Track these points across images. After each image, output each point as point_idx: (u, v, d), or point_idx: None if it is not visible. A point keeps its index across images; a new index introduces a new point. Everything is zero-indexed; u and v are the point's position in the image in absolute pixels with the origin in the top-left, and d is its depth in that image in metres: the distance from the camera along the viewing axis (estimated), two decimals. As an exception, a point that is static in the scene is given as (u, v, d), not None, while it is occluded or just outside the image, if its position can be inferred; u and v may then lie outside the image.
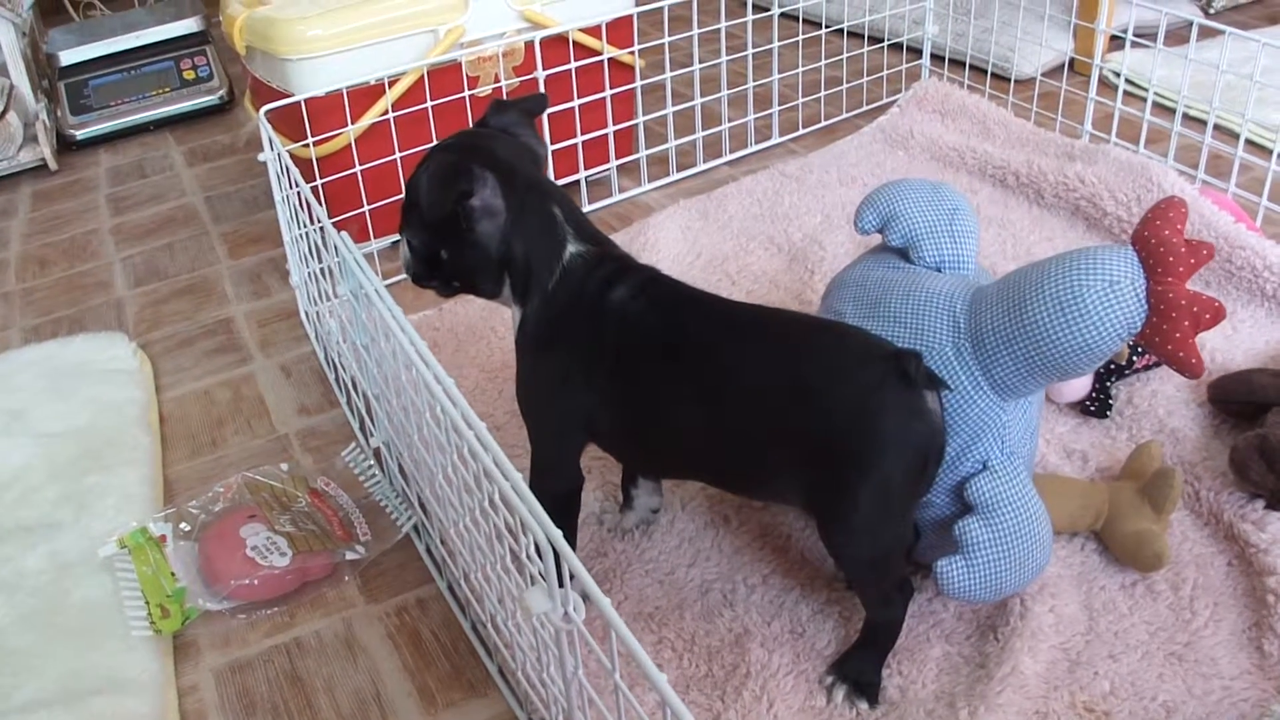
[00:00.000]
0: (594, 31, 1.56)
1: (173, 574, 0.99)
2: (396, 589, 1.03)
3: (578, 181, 1.65)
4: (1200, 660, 0.91)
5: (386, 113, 1.40)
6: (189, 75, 2.13)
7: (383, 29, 1.38)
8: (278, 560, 1.00)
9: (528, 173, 0.93)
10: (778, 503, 1.05)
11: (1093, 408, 1.17)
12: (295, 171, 1.14)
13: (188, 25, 2.17)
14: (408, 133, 1.43)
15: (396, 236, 0.98)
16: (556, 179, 1.56)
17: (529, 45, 1.50)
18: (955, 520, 0.89)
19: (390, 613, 1.01)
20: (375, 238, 1.46)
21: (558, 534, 0.65)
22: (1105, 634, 0.94)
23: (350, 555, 1.04)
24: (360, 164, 1.40)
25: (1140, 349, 1.17)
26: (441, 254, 0.93)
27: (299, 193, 1.16)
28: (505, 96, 1.52)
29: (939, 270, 0.99)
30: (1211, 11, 2.25)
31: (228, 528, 1.02)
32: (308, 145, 1.35)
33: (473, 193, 0.88)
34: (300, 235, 1.26)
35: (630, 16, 1.61)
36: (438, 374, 0.81)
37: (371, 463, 1.16)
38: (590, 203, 1.68)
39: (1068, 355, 0.84)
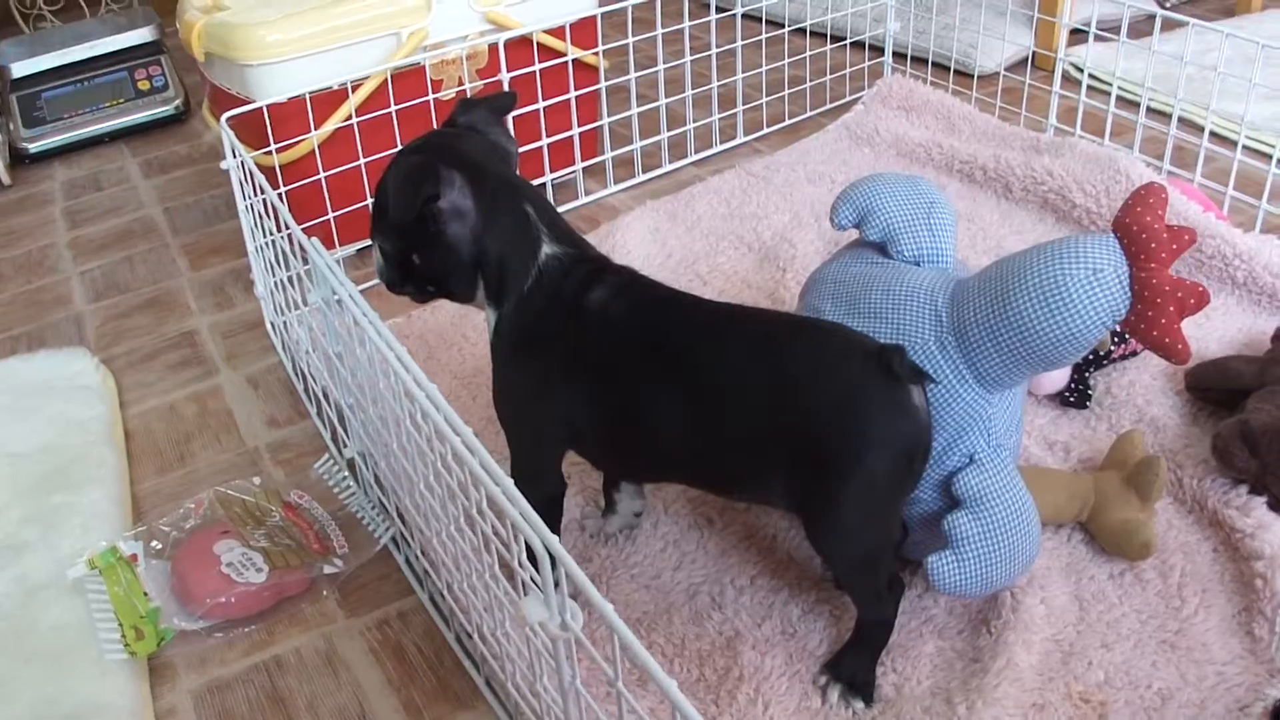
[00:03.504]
0: (558, 33, 1.55)
1: (146, 594, 0.96)
2: (377, 602, 1.01)
3: (544, 184, 1.63)
4: (1192, 647, 0.91)
5: (350, 117, 1.38)
6: (144, 86, 2.09)
7: (345, 33, 1.36)
8: (254, 576, 0.97)
9: (498, 171, 0.91)
10: (763, 504, 1.04)
11: (1072, 399, 1.17)
12: (260, 178, 1.11)
13: (141, 35, 2.12)
14: (372, 138, 1.40)
15: (363, 244, 0.96)
16: (522, 182, 1.55)
17: (493, 47, 1.48)
18: (943, 515, 0.88)
19: (371, 627, 0.99)
20: (341, 245, 1.44)
21: (554, 539, 0.63)
22: (1097, 624, 0.94)
23: (328, 569, 1.02)
24: (324, 170, 1.37)
25: (1119, 338, 1.18)
26: (414, 258, 0.91)
27: (264, 200, 1.13)
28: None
29: (918, 264, 0.98)
30: (1169, 5, 2.27)
31: (201, 545, 0.99)
32: (270, 152, 1.32)
33: (439, 194, 0.86)
34: (265, 244, 1.23)
35: (594, 17, 1.60)
36: (419, 379, 0.79)
37: (345, 474, 1.14)
38: (557, 205, 1.65)
39: (1053, 345, 0.84)
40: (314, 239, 0.98)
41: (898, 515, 0.88)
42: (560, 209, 1.64)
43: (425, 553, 0.98)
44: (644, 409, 0.87)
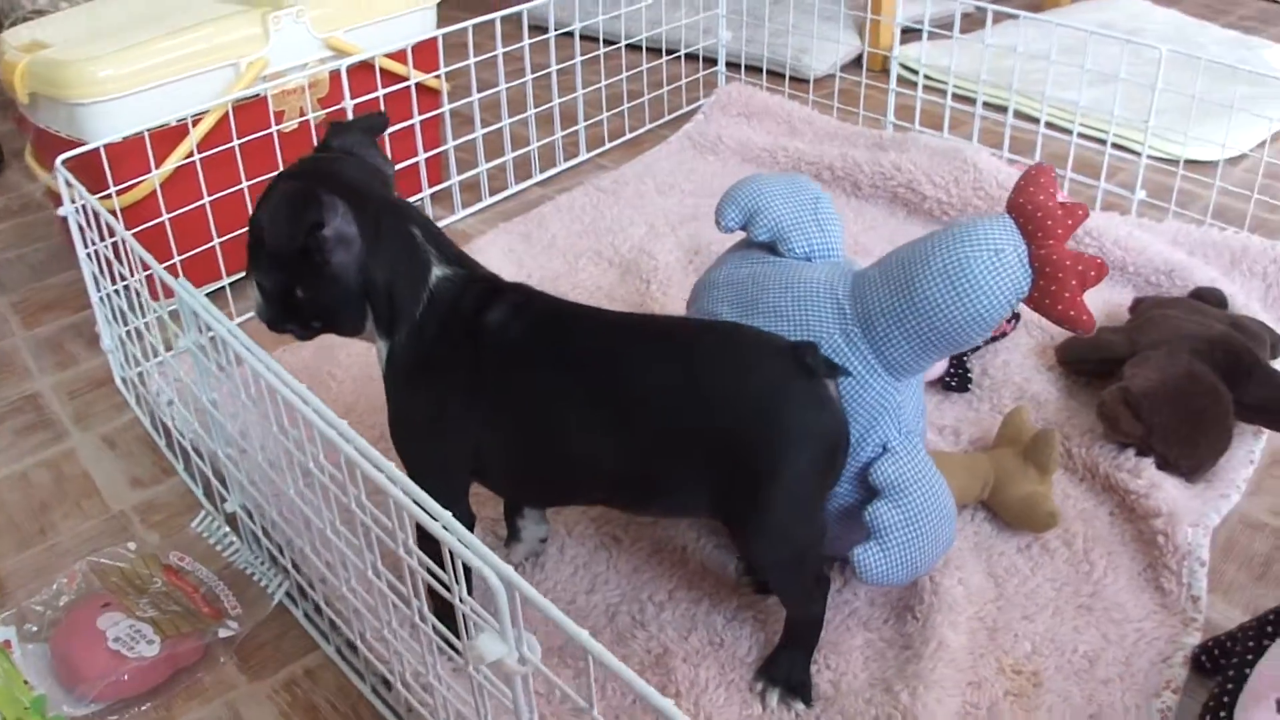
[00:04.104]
0: (399, 57, 1.50)
1: (26, 682, 0.87)
2: (280, 662, 0.95)
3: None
4: (1109, 608, 0.94)
5: (191, 154, 1.30)
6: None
7: (180, 65, 1.28)
8: (145, 649, 0.89)
9: (380, 195, 0.87)
10: (682, 515, 1.02)
11: (953, 383, 1.20)
12: (109, 217, 1.03)
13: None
14: (215, 174, 1.33)
15: (214, 286, 0.90)
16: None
17: (334, 75, 1.43)
18: (859, 508, 0.88)
19: (278, 689, 0.92)
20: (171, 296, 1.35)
21: (508, 567, 0.60)
22: (1015, 597, 0.96)
23: (223, 633, 0.95)
24: (167, 211, 1.29)
25: (1015, 317, 1.22)
26: (296, 292, 0.85)
27: (114, 243, 1.05)
28: (312, 131, 1.44)
29: (809, 260, 0.98)
30: (978, 5, 2.38)
31: (82, 621, 0.91)
32: (110, 195, 1.23)
33: (324, 222, 0.81)
34: (112, 292, 1.15)
35: (435, 40, 1.56)
36: (325, 415, 0.74)
37: (227, 530, 1.06)
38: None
39: (960, 327, 0.85)
40: (181, 279, 0.92)
41: (822, 511, 0.87)
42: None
43: (331, 603, 0.93)
44: (554, 429, 0.83)
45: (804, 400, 0.80)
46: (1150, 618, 0.93)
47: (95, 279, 1.19)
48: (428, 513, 0.65)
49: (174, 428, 1.14)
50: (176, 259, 1.31)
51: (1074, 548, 1.00)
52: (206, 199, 1.32)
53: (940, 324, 0.85)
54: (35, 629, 0.92)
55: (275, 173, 1.34)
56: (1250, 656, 0.82)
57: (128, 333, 1.18)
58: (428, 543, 0.69)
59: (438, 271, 0.86)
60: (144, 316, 1.10)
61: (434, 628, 0.75)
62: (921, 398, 0.95)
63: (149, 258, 0.96)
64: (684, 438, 0.81)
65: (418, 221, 0.87)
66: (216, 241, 1.35)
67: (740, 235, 1.03)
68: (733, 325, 0.88)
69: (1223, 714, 0.80)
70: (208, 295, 1.36)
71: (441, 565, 0.70)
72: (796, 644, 0.89)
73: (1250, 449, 1.10)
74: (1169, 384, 1.04)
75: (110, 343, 1.25)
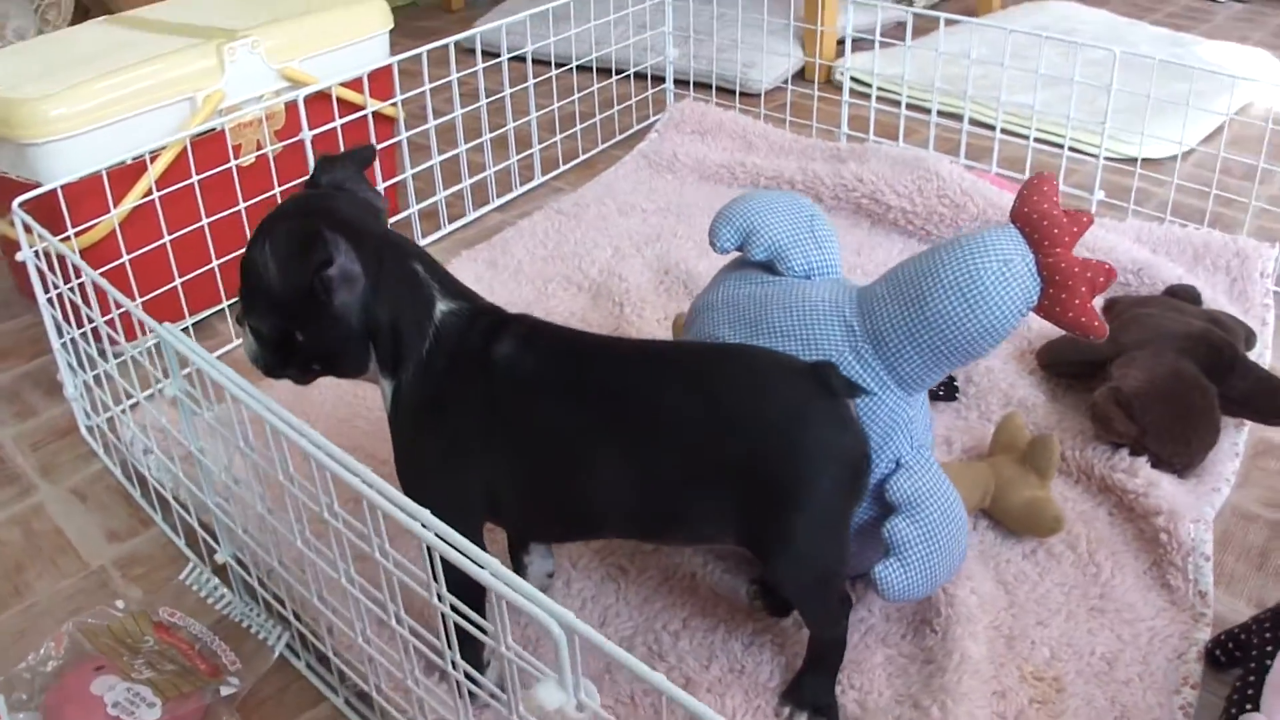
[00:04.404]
0: (355, 85, 1.47)
1: (24, 757, 0.83)
2: (286, 717, 0.91)
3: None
4: (1120, 608, 0.95)
5: (150, 192, 1.25)
6: None
7: (135, 101, 1.24)
8: (146, 714, 0.85)
9: (378, 231, 0.85)
10: (704, 544, 1.00)
11: (941, 393, 1.20)
12: (76, 259, 0.99)
13: None
14: (174, 212, 1.28)
15: (177, 325, 0.86)
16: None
17: (290, 106, 1.39)
18: (875, 524, 0.88)
19: (288, 745, 0.89)
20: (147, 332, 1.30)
21: (568, 613, 0.58)
22: (1027, 603, 0.96)
23: (224, 690, 0.91)
24: (128, 252, 1.24)
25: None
26: (296, 336, 0.83)
27: (80, 284, 1.01)
28: (271, 164, 1.40)
29: (808, 278, 0.97)
30: (914, 12, 2.41)
31: (77, 686, 0.86)
32: (69, 237, 1.18)
33: (332, 260, 0.79)
34: (76, 337, 1.10)
35: (390, 67, 1.53)
36: (347, 462, 0.71)
37: (216, 581, 1.02)
38: (371, 264, 1.58)
39: (973, 338, 0.85)
40: (165, 324, 0.88)
41: (848, 532, 0.86)
42: (375, 268, 1.57)
43: (340, 653, 0.90)
44: (576, 463, 0.82)
45: (827, 421, 0.80)
46: (1161, 615, 0.94)
47: (57, 324, 1.14)
48: (472, 559, 0.63)
49: (151, 476, 1.09)
50: (139, 300, 1.27)
51: (1078, 550, 1.01)
52: (167, 238, 1.28)
53: (953, 337, 0.85)
54: (25, 697, 0.87)
55: (235, 208, 1.33)
56: (1270, 648, 0.83)
57: (95, 378, 1.14)
58: (457, 588, 0.67)
59: (442, 306, 0.83)
60: (111, 361, 1.06)
61: (467, 674, 0.73)
62: (928, 410, 0.95)
63: (124, 300, 0.92)
64: (708, 465, 0.79)
65: (418, 256, 0.85)
66: (178, 281, 1.30)
67: (733, 255, 1.02)
68: (748, 348, 0.87)
69: (1248, 706, 0.81)
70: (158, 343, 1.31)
71: (476, 610, 0.68)
72: (821, 666, 0.88)
73: (1234, 442, 1.12)
74: (1158, 382, 1.06)
75: (73, 390, 1.20)
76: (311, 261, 0.77)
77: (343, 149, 1.45)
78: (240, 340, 0.89)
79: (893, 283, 0.89)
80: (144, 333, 1.07)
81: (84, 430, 1.24)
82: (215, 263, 1.34)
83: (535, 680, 0.60)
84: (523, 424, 0.82)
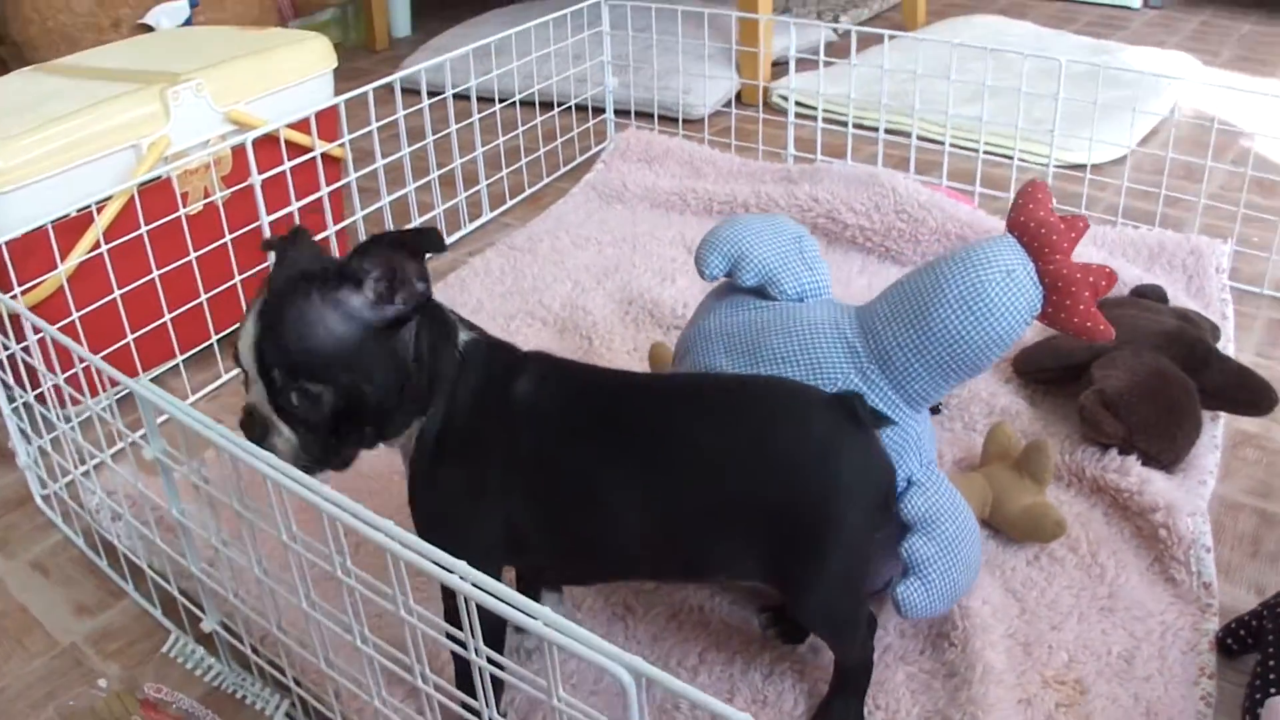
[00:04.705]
0: (303, 126, 1.43)
1: None
2: (293, 787, 0.87)
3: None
4: (1129, 606, 0.95)
5: (98, 245, 1.20)
6: None
7: (78, 150, 1.18)
8: (148, 797, 0.81)
9: None
10: (728, 579, 0.97)
11: (923, 404, 1.20)
12: (33, 317, 0.93)
13: None
14: (123, 265, 1.23)
15: (121, 391, 0.80)
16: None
17: (237, 151, 1.34)
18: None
19: (299, 817, 0.84)
20: (106, 390, 1.24)
21: (638, 661, 0.56)
22: (1038, 609, 0.96)
23: (225, 764, 0.86)
24: (77, 309, 1.18)
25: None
26: (364, 391, 0.75)
27: (25, 345, 0.96)
28: (221, 211, 1.35)
29: (800, 301, 0.96)
30: (839, 32, 2.45)
31: (71, 776, 0.81)
32: (16, 296, 1.12)
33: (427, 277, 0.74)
34: (25, 403, 1.05)
35: (335, 108, 1.49)
36: (366, 517, 0.67)
37: (203, 652, 0.97)
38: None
39: (980, 350, 0.85)
40: (143, 379, 0.83)
41: (873, 558, 0.85)
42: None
43: (349, 718, 0.85)
44: (600, 501, 0.79)
45: (857, 453, 0.79)
46: (1169, 609, 0.95)
47: (6, 388, 1.08)
48: (521, 610, 0.60)
49: (120, 544, 1.04)
50: (91, 359, 1.21)
51: (1080, 553, 1.01)
52: (117, 292, 1.22)
53: (960, 350, 0.84)
54: (18, 792, 0.82)
55: (185, 259, 1.27)
56: (1288, 632, 0.84)
57: (53, 441, 1.08)
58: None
59: (464, 335, 0.80)
60: (72, 421, 1.01)
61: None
62: (931, 426, 0.94)
63: (89, 356, 0.86)
64: (736, 501, 0.78)
65: None
66: (130, 338, 1.25)
67: (718, 282, 1.01)
68: (769, 380, 0.86)
69: (1272, 690, 0.81)
70: (119, 401, 1.25)
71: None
72: (849, 689, 0.87)
73: (1213, 435, 1.14)
74: (1141, 381, 1.07)
75: (26, 458, 1.14)
76: (422, 270, 0.73)
77: (292, 193, 1.41)
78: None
79: (894, 300, 0.88)
80: (106, 388, 1.02)
81: (39, 499, 1.17)
82: (168, 316, 1.29)
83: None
84: (545, 465, 0.79)
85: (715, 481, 0.77)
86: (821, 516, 0.77)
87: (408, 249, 0.73)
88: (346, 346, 0.73)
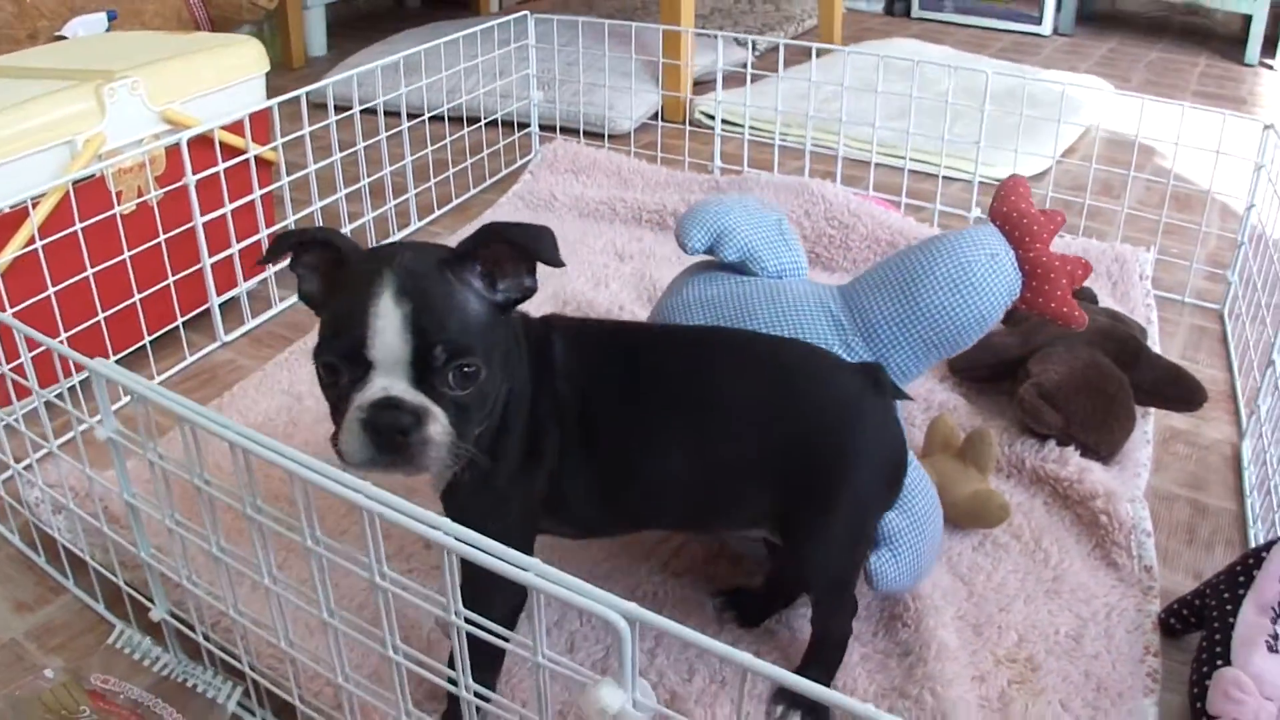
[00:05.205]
0: (237, 128, 1.42)
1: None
2: (249, 776, 0.85)
3: (236, 298, 1.49)
4: (1075, 588, 0.98)
5: (33, 241, 1.17)
6: None
7: (12, 145, 1.15)
8: (101, 786, 0.78)
9: None
10: (738, 530, 0.95)
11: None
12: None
13: None
14: (58, 263, 1.20)
15: (63, 385, 0.79)
16: (204, 302, 1.44)
17: (171, 151, 1.33)
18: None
19: (256, 806, 0.83)
20: (41, 388, 1.21)
21: (632, 606, 0.57)
22: (985, 592, 0.99)
23: (178, 755, 0.84)
24: (11, 306, 1.15)
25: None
26: (497, 368, 0.76)
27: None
28: (155, 211, 1.33)
29: (780, 278, 0.99)
30: (756, 54, 2.51)
31: (20, 765, 0.79)
32: (-50, 292, 1.09)
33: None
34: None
35: (268, 111, 1.48)
36: (344, 479, 0.67)
37: (149, 642, 0.95)
38: (253, 317, 1.52)
39: (963, 328, 0.90)
40: (97, 358, 0.82)
41: (873, 533, 0.87)
42: (258, 321, 1.51)
43: (308, 700, 0.84)
44: (643, 450, 0.82)
45: (877, 417, 0.83)
46: (1113, 592, 0.98)
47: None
48: (511, 562, 0.60)
49: (60, 538, 1.01)
50: (26, 358, 1.17)
51: (1023, 539, 1.04)
52: (51, 289, 1.19)
53: (945, 326, 0.89)
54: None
55: (119, 258, 1.25)
56: (1229, 607, 0.87)
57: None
58: (475, 603, 0.64)
59: None
60: (16, 415, 0.98)
61: (477, 694, 0.70)
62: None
63: (46, 339, 0.85)
64: (762, 451, 0.81)
65: None
66: (64, 336, 1.22)
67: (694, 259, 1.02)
68: (797, 343, 0.89)
69: (1218, 663, 0.85)
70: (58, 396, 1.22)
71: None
72: (820, 664, 0.89)
73: (1145, 430, 1.19)
74: (1077, 374, 1.12)
75: (-44, 457, 1.10)
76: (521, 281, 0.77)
77: (225, 195, 1.40)
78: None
79: (878, 279, 0.92)
80: (64, 376, 0.99)
81: (-32, 498, 1.13)
82: (101, 315, 1.27)
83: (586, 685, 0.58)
84: (586, 423, 0.81)
85: (747, 430, 0.81)
86: (839, 468, 0.81)
87: (523, 252, 0.76)
88: (487, 324, 0.75)
